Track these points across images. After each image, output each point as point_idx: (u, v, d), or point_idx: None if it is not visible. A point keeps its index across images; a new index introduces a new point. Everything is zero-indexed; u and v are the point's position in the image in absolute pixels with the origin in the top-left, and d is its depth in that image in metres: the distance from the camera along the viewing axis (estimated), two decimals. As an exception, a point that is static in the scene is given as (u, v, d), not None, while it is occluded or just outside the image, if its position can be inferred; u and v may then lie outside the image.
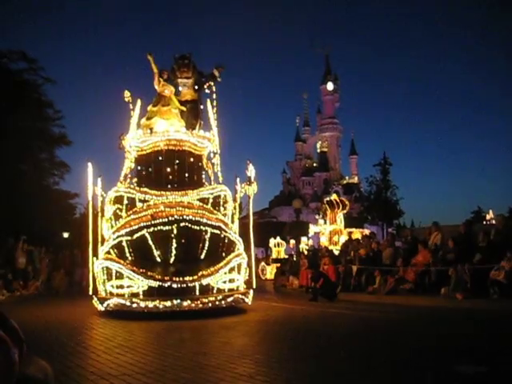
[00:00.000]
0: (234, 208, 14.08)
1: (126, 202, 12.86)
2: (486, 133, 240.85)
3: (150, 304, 10.95)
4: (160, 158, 13.64)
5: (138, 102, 14.61)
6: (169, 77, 14.37)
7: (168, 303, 10.92)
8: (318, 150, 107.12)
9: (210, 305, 11.24)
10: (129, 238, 11.89)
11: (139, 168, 14.10)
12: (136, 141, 13.74)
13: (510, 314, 10.35)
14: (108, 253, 12.11)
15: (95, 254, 12.77)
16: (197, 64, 14.88)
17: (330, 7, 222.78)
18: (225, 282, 12.06)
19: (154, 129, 13.68)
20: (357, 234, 27.48)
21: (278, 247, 36.98)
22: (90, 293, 12.67)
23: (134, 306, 11.05)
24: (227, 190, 13.76)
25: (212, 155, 14.63)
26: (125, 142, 14.00)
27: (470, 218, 53.14)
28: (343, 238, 25.80)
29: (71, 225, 33.29)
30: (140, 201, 12.81)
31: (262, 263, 33.22)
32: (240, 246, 12.94)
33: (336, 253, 20.86)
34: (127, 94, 14.54)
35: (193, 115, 14.54)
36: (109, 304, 11.49)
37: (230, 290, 12.12)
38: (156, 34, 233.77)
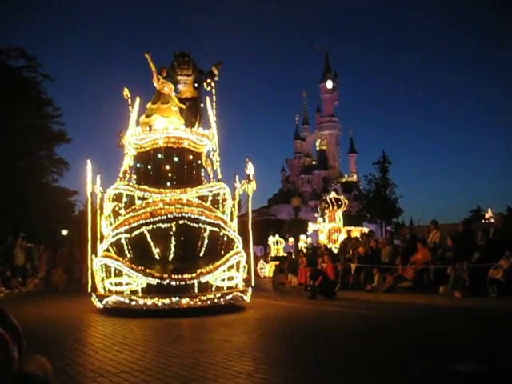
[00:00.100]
0: (233, 206, 14.08)
1: (125, 199, 12.85)
2: (485, 132, 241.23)
3: (149, 301, 10.95)
4: (159, 156, 13.63)
5: (137, 100, 14.62)
6: (168, 74, 14.36)
7: (167, 301, 10.92)
8: (317, 148, 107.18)
9: (208, 302, 11.24)
10: (128, 235, 11.89)
11: (138, 165, 14.09)
12: (135, 138, 13.73)
13: (508, 313, 10.35)
14: (107, 250, 12.11)
15: (94, 252, 12.77)
16: (196, 61, 14.89)
17: (330, 5, 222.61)
18: (223, 280, 12.06)
19: (153, 126, 13.67)
20: (356, 232, 27.53)
21: (277, 245, 36.99)
22: (89, 290, 12.67)
23: (133, 303, 11.05)
24: (226, 188, 13.75)
25: (211, 153, 14.63)
26: (124, 139, 13.99)
27: (469, 217, 53.18)
28: (342, 236, 25.83)
29: (70, 222, 33.31)
30: (139, 198, 12.81)
31: (261, 261, 33.24)
32: (239, 243, 12.94)
33: (335, 251, 20.87)
34: (126, 91, 14.53)
35: (192, 113, 14.54)
36: (107, 301, 11.50)
37: (228, 287, 12.13)
38: (155, 30, 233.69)
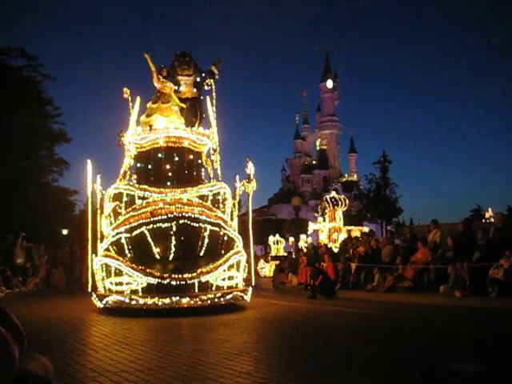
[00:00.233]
0: (234, 205, 14.08)
1: (125, 199, 12.85)
2: (485, 131, 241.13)
3: (149, 301, 10.96)
4: (159, 155, 13.64)
5: (138, 99, 14.62)
6: (168, 73, 14.36)
7: (167, 300, 10.93)
8: (318, 148, 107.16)
9: (208, 302, 11.25)
10: (128, 235, 11.90)
11: (138, 165, 14.09)
12: (135, 138, 13.74)
13: (508, 312, 10.35)
14: (107, 250, 12.11)
15: (94, 251, 12.77)
16: (197, 61, 14.90)
17: (330, 5, 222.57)
18: (224, 280, 12.07)
19: (154, 126, 13.67)
20: (356, 231, 27.51)
21: (277, 245, 36.99)
22: (89, 290, 12.68)
23: (133, 303, 11.06)
24: (226, 188, 13.75)
25: (211, 152, 14.63)
26: (124, 139, 13.99)
27: (469, 216, 53.23)
28: (342, 236, 25.81)
29: (70, 222, 33.31)
30: (139, 198, 12.81)
31: (261, 261, 33.24)
32: (239, 243, 12.94)
33: (335, 250, 20.86)
34: (127, 91, 14.53)
35: (192, 113, 14.55)
36: (108, 301, 11.50)
37: (228, 287, 12.13)
38: (155, 30, 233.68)
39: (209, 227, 12.15)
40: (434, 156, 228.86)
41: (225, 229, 12.53)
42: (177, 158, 13.67)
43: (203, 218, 12.19)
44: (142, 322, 9.98)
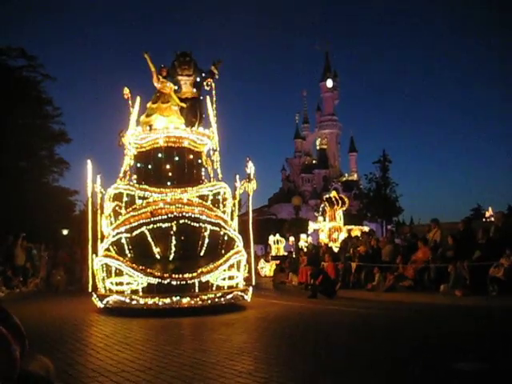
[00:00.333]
0: (234, 205, 14.08)
1: (125, 199, 12.86)
2: (485, 130, 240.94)
3: (150, 301, 10.96)
4: (159, 155, 13.64)
5: (138, 99, 14.62)
6: (168, 73, 14.37)
7: (167, 300, 10.93)
8: (318, 147, 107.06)
9: (209, 302, 11.25)
10: (128, 235, 11.90)
11: (139, 165, 14.10)
12: (135, 138, 13.74)
13: (508, 311, 10.34)
14: (107, 250, 12.12)
15: (95, 251, 12.78)
16: (197, 61, 14.90)
17: (330, 4, 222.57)
18: (224, 279, 12.07)
19: (154, 126, 13.68)
20: (356, 231, 27.47)
21: (278, 244, 36.99)
22: (90, 290, 12.68)
23: (134, 303, 11.06)
24: (227, 187, 13.75)
25: (211, 152, 14.64)
26: (124, 139, 13.99)
27: (470, 216, 53.21)
28: (342, 235, 25.80)
29: (71, 222, 33.28)
30: (139, 198, 12.81)
31: (262, 260, 33.25)
32: (239, 243, 12.95)
33: (335, 250, 20.85)
34: (126, 90, 14.54)
35: (192, 113, 14.55)
36: (108, 301, 11.51)
37: (229, 287, 12.14)
38: (155, 30, 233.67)
39: (209, 227, 12.15)
40: (434, 155, 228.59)
41: (225, 228, 12.54)
42: (177, 158, 13.67)
43: (203, 217, 12.19)
44: (142, 322, 9.98)
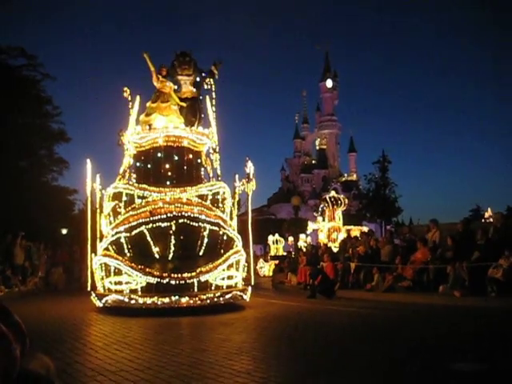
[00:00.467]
0: (233, 205, 14.09)
1: (124, 198, 12.86)
2: (484, 131, 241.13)
3: (149, 300, 10.96)
4: (159, 155, 13.64)
5: (137, 99, 14.63)
6: (168, 73, 14.37)
7: (166, 300, 10.93)
8: (317, 148, 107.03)
9: (208, 301, 11.25)
10: (127, 234, 11.90)
11: (138, 164, 14.10)
12: (135, 137, 13.74)
13: (507, 312, 10.36)
14: (106, 249, 12.12)
15: (94, 251, 12.78)
16: (196, 61, 14.90)
17: (330, 4, 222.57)
18: (223, 279, 12.07)
19: (153, 125, 13.68)
20: (355, 231, 27.52)
21: (277, 244, 37.05)
22: (89, 289, 12.68)
23: (133, 302, 11.06)
24: (226, 187, 13.76)
25: (211, 152, 14.64)
26: (124, 138, 13.99)
27: (469, 216, 53.17)
28: (342, 236, 25.83)
29: (70, 221, 33.27)
30: (139, 197, 12.81)
31: (261, 260, 33.27)
32: (238, 242, 12.95)
33: (334, 250, 20.86)
34: (126, 90, 14.53)
35: (192, 112, 14.55)
36: (107, 300, 11.51)
37: (228, 286, 12.14)
38: (155, 29, 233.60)
39: (208, 227, 12.15)
40: (434, 156, 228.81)
41: (224, 228, 12.54)
42: (176, 158, 13.67)
43: (202, 217, 12.19)
44: (141, 321, 9.98)
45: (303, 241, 33.46)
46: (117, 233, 12.05)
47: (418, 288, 13.85)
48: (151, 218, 11.89)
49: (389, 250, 16.06)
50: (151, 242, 11.81)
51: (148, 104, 14.06)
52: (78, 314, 11.39)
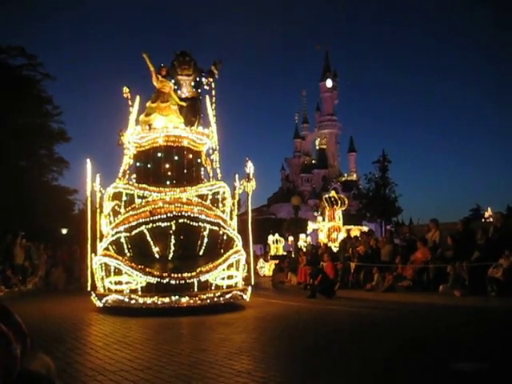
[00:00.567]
0: (233, 204, 14.09)
1: (124, 198, 12.86)
2: (484, 131, 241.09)
3: (149, 300, 10.96)
4: (159, 155, 13.64)
5: (137, 99, 14.62)
6: (168, 73, 14.36)
7: (166, 299, 10.93)
8: (317, 147, 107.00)
9: (208, 301, 11.25)
10: (127, 234, 11.90)
11: (138, 164, 14.10)
12: (135, 137, 13.74)
13: (507, 312, 10.36)
14: (107, 249, 12.12)
15: (94, 250, 12.78)
16: (196, 61, 14.90)
17: (330, 4, 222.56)
18: (223, 279, 12.07)
19: (153, 125, 13.68)
20: (355, 231, 27.50)
21: (277, 244, 37.05)
22: (89, 289, 12.68)
23: (133, 302, 11.06)
24: (226, 187, 13.76)
25: (211, 152, 14.65)
26: (124, 138, 13.99)
27: (469, 216, 53.15)
28: (341, 235, 25.82)
29: (70, 221, 33.29)
30: (139, 197, 12.81)
31: (261, 260, 33.27)
32: (238, 242, 12.95)
33: (334, 250, 20.86)
34: (126, 90, 14.53)
35: (192, 112, 14.55)
36: (107, 300, 11.51)
37: (228, 286, 12.13)
38: (155, 28, 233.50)
39: (208, 226, 12.15)
40: (434, 155, 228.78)
41: (224, 228, 12.54)
42: (176, 158, 13.67)
43: (202, 217, 12.19)
44: (141, 321, 9.98)
45: (303, 240, 33.48)
46: (117, 232, 12.05)
47: (418, 288, 13.85)
48: (151, 218, 11.89)
49: (389, 249, 16.06)
50: (151, 242, 11.81)
51: (148, 104, 14.06)
52: (78, 314, 11.39)
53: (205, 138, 14.12)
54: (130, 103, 14.52)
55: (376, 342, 7.49)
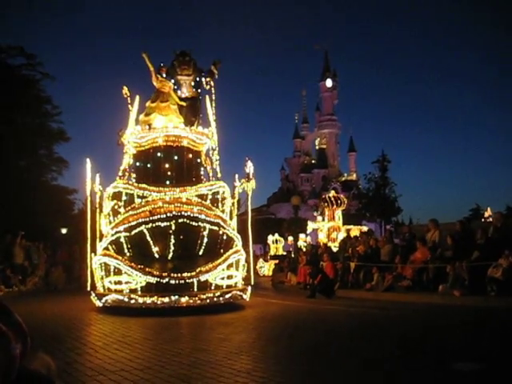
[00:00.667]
0: (233, 204, 14.09)
1: (124, 197, 12.86)
2: (484, 130, 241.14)
3: (148, 300, 10.96)
4: (159, 154, 13.64)
5: (137, 98, 14.62)
6: (168, 73, 14.36)
7: (166, 299, 10.93)
8: (317, 147, 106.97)
9: (208, 301, 11.25)
10: (127, 234, 11.90)
11: (138, 164, 14.09)
12: (135, 137, 13.74)
13: (507, 311, 10.36)
14: (106, 249, 12.11)
15: (93, 250, 12.78)
16: (196, 60, 14.90)
17: (329, 4, 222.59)
18: (223, 279, 12.07)
19: (153, 125, 13.68)
20: (355, 230, 27.51)
21: (276, 244, 37.00)
22: (88, 289, 12.68)
23: (132, 302, 11.06)
24: (226, 187, 13.76)
25: (210, 151, 14.64)
26: (123, 138, 13.99)
27: (469, 216, 53.21)
28: (341, 235, 25.83)
29: (70, 220, 33.25)
30: (138, 197, 12.81)
31: (260, 260, 33.27)
32: (238, 242, 12.95)
33: (334, 250, 20.86)
34: (126, 89, 14.53)
35: (192, 112, 14.55)
36: (107, 300, 11.51)
37: (228, 286, 12.13)
38: (154, 28, 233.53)
39: (208, 226, 12.15)
40: (433, 155, 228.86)
41: (224, 228, 12.54)
42: (176, 157, 13.67)
43: (202, 217, 12.19)
44: (140, 321, 9.98)
45: (303, 240, 33.46)
46: (116, 232, 12.04)
47: (417, 287, 13.84)
48: (151, 218, 11.88)
49: (388, 249, 16.06)
50: (151, 242, 11.81)
51: (147, 104, 14.06)
52: (77, 314, 11.39)
53: (204, 138, 14.12)
54: (129, 103, 14.52)
55: (375, 341, 7.49)
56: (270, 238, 37.25)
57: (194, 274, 11.47)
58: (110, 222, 12.86)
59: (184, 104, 14.38)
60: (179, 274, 11.35)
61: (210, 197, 13.23)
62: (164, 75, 14.21)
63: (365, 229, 27.42)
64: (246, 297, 12.44)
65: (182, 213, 12.01)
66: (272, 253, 35.86)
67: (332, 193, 30.99)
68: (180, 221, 11.90)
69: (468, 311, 10.76)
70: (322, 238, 27.89)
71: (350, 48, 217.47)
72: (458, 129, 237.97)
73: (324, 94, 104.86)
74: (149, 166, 13.78)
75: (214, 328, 9.09)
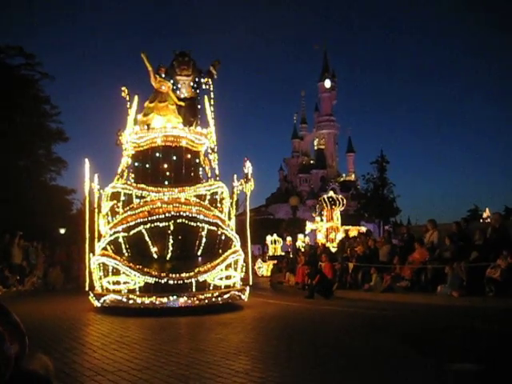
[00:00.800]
0: (231, 205, 14.09)
1: (122, 198, 12.85)
2: (482, 131, 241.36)
3: (147, 300, 10.95)
4: (157, 155, 13.63)
5: (136, 98, 14.61)
6: (167, 73, 14.36)
7: (164, 299, 10.92)
8: (315, 148, 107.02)
9: (206, 301, 11.24)
10: (125, 234, 11.89)
11: (136, 164, 14.08)
12: (133, 137, 13.73)
13: (505, 312, 10.37)
14: (105, 249, 12.10)
15: (92, 250, 12.76)
16: (195, 61, 14.90)
17: (329, 4, 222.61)
18: (221, 279, 12.07)
19: (151, 125, 13.67)
20: (353, 231, 27.51)
21: (275, 244, 37.00)
22: (87, 289, 12.66)
23: (131, 302, 11.05)
24: (224, 187, 13.76)
25: (209, 152, 14.64)
26: (122, 138, 13.98)
27: (467, 216, 53.20)
28: (340, 236, 25.82)
29: (68, 221, 33.23)
30: (137, 197, 12.80)
31: (259, 260, 33.27)
32: (237, 242, 12.94)
33: (333, 250, 20.86)
34: (124, 89, 14.52)
35: (191, 112, 14.55)
36: (105, 300, 11.49)
37: (226, 286, 12.13)
38: (154, 28, 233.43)
39: (206, 226, 12.14)
40: (432, 156, 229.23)
41: (222, 228, 12.53)
42: (174, 157, 13.66)
43: (201, 217, 12.18)
44: (139, 321, 9.97)
45: (301, 241, 33.45)
46: (115, 232, 12.03)
47: (416, 288, 13.85)
48: (149, 218, 11.87)
49: (387, 250, 16.07)
50: (149, 242, 11.80)
51: (146, 104, 14.05)
52: (75, 314, 11.38)
53: (203, 138, 14.12)
54: (128, 103, 14.51)
55: (374, 342, 7.48)
56: (269, 239, 37.25)
57: (192, 274, 11.47)
58: (109, 222, 12.85)
59: (183, 104, 14.38)
60: (178, 275, 11.34)
61: (208, 197, 13.22)
62: (163, 75, 14.21)
63: (363, 229, 27.41)
64: (245, 297, 12.44)
65: (181, 213, 12.00)
66: (270, 253, 35.87)
67: (330, 193, 30.92)
68: (178, 221, 11.89)
69: (466, 312, 10.76)
70: (321, 238, 27.85)
71: (348, 49, 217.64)
72: (457, 129, 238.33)
73: (323, 94, 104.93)
74: (147, 166, 13.77)
75: (212, 328, 9.08)
